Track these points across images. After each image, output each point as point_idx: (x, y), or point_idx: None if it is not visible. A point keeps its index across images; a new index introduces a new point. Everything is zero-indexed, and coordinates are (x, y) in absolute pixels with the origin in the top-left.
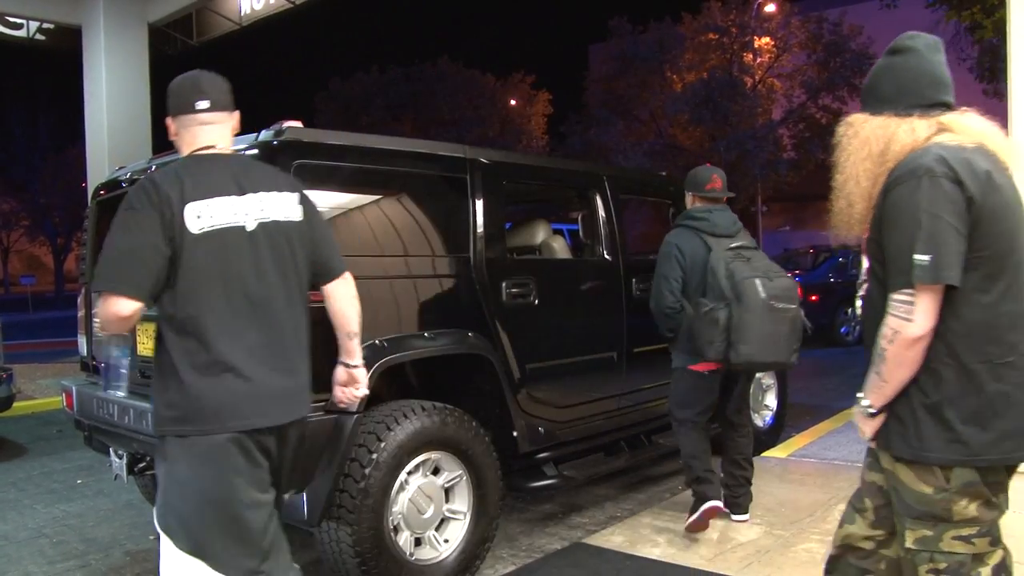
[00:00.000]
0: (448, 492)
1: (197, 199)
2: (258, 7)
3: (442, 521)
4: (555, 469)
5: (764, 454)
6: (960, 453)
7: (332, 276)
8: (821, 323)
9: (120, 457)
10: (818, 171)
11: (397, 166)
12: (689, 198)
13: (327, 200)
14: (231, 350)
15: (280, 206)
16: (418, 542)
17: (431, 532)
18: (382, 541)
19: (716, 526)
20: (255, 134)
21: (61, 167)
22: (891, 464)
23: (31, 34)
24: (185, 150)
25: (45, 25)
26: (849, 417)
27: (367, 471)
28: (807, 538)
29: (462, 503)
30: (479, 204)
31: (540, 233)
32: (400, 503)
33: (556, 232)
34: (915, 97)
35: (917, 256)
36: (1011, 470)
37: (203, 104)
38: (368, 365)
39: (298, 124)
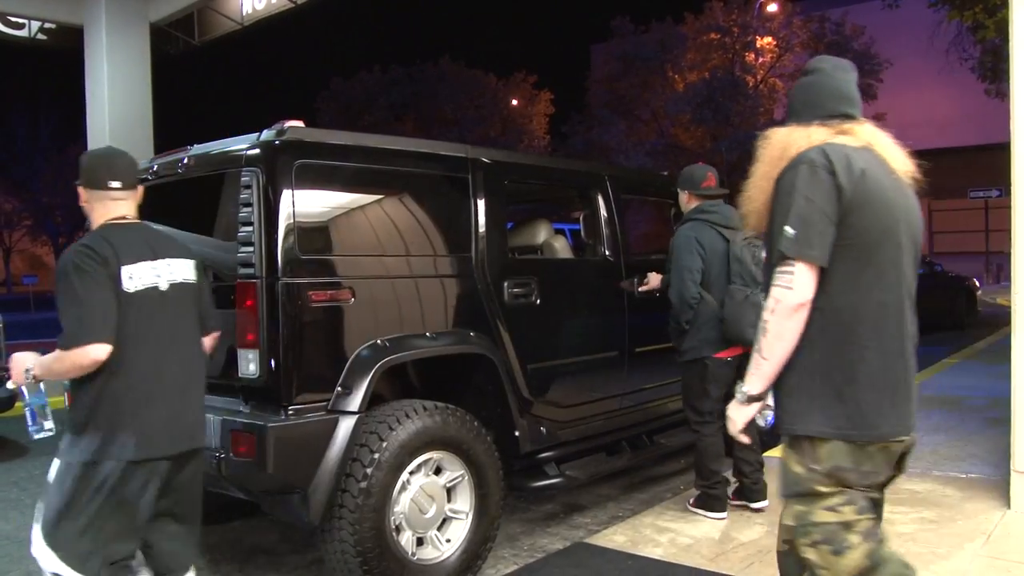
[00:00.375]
0: (450, 492)
1: (128, 263)
2: (260, 7)
3: (444, 521)
4: (557, 469)
5: (765, 454)
6: (830, 427)
7: (209, 331)
8: None
9: None
10: None
11: (399, 166)
12: (684, 196)
13: (329, 200)
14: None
15: (182, 269)
16: (420, 542)
17: (433, 532)
18: (384, 541)
19: (717, 526)
20: (257, 134)
21: (63, 167)
22: (784, 448)
23: (33, 34)
24: (98, 219)
25: (47, 25)
26: None
27: (369, 471)
28: None
29: (464, 503)
30: (481, 204)
31: (542, 233)
32: (402, 503)
33: (558, 232)
34: (819, 110)
35: (786, 227)
36: (886, 445)
37: (115, 184)
38: (370, 365)
39: (300, 124)
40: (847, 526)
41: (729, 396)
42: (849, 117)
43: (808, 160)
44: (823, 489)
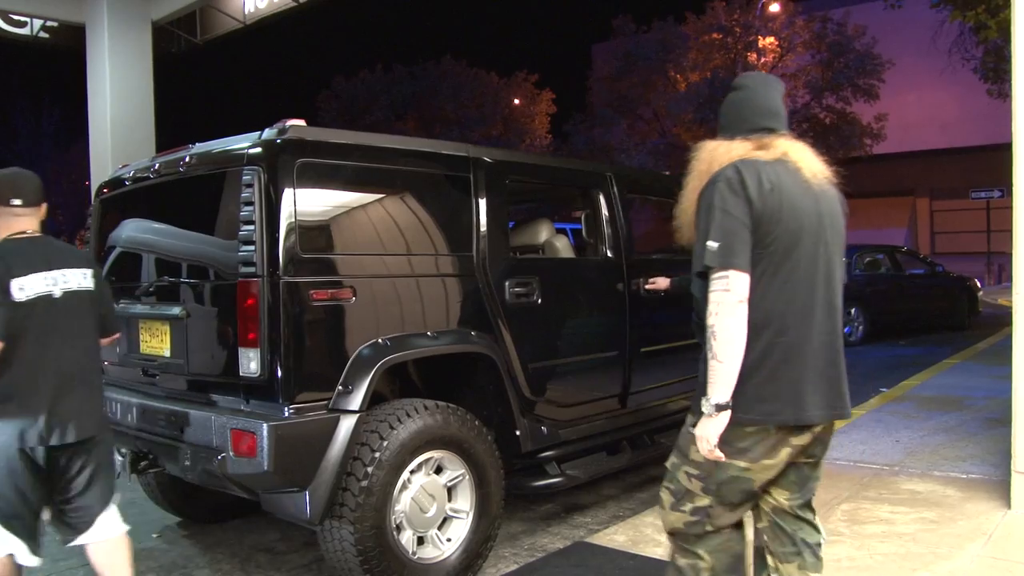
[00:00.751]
0: (451, 491)
1: (19, 275)
2: (262, 5)
3: (445, 520)
4: (558, 468)
5: None
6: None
7: (107, 333)
8: None
9: (123, 455)
10: None
11: (400, 165)
12: None
13: (330, 199)
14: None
15: (77, 278)
16: (421, 541)
17: (434, 531)
18: (385, 540)
19: None
20: (258, 133)
21: (64, 165)
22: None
23: (35, 32)
24: (1, 233)
25: (49, 23)
26: (852, 417)
27: (370, 469)
28: None
29: (465, 502)
30: (482, 203)
31: (543, 232)
32: (403, 502)
33: (559, 231)
34: (744, 124)
35: (709, 242)
36: (781, 434)
37: (17, 202)
38: (371, 364)
39: (301, 123)
40: (689, 494)
41: None
42: (771, 130)
43: (724, 178)
44: (693, 450)
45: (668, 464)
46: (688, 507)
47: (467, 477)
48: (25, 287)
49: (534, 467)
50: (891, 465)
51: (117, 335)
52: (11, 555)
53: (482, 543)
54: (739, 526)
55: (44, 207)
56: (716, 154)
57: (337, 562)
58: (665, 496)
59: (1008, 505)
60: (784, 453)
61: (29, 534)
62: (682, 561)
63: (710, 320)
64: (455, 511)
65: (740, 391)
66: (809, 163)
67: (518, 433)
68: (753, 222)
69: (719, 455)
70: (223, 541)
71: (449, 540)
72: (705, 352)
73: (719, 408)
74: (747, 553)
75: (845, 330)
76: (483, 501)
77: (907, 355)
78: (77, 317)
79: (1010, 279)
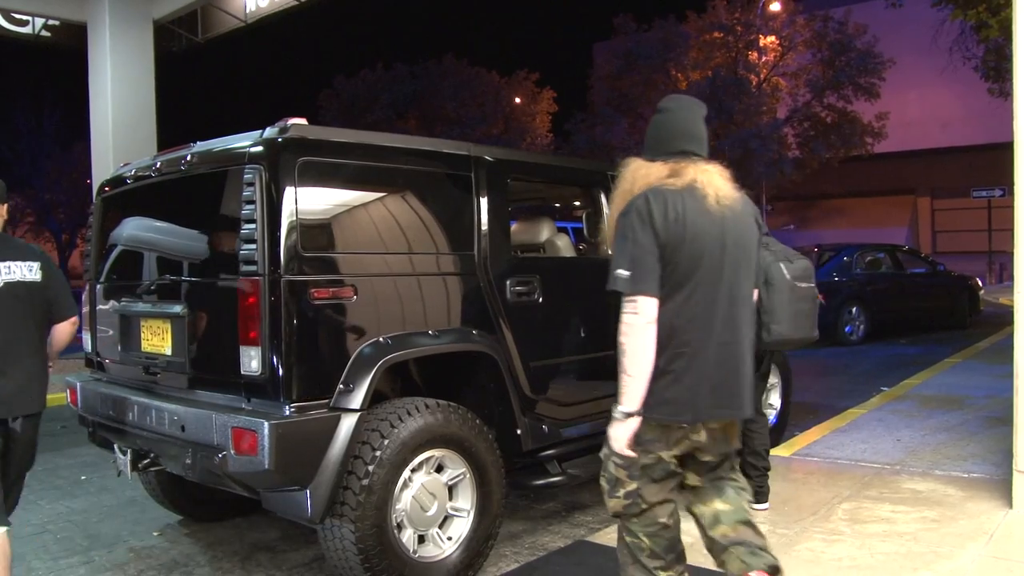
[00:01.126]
0: (452, 490)
1: None
2: (263, 4)
3: (446, 519)
4: (559, 467)
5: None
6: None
7: (62, 318)
8: (825, 322)
9: (124, 454)
10: (823, 170)
11: (401, 164)
12: None
13: (331, 197)
14: None
15: (22, 270)
16: (421, 540)
17: (434, 530)
18: (385, 538)
19: None
20: (260, 131)
21: (66, 163)
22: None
23: (36, 31)
24: None
25: (50, 22)
26: (853, 416)
27: (370, 468)
28: (810, 537)
29: (465, 501)
30: (484, 202)
31: (545, 231)
32: (404, 500)
33: (561, 230)
34: (664, 146)
35: (620, 271)
36: (682, 431)
37: None
38: (372, 362)
39: (303, 122)
40: (620, 481)
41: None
42: (689, 153)
43: (636, 208)
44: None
45: (601, 455)
46: (621, 492)
47: (468, 476)
48: None
49: (535, 466)
50: (892, 464)
51: (74, 318)
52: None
53: (483, 542)
54: (673, 513)
55: (6, 207)
56: (637, 175)
57: (338, 561)
58: (603, 484)
59: (1009, 504)
60: (685, 445)
61: None
62: (628, 539)
63: (621, 339)
64: (456, 510)
65: (648, 393)
66: (716, 189)
67: (519, 432)
68: (659, 249)
69: (629, 453)
70: (224, 539)
71: (450, 539)
72: (618, 365)
73: (627, 415)
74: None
75: (846, 329)
76: (484, 500)
77: (908, 354)
78: (20, 304)
79: (1011, 278)
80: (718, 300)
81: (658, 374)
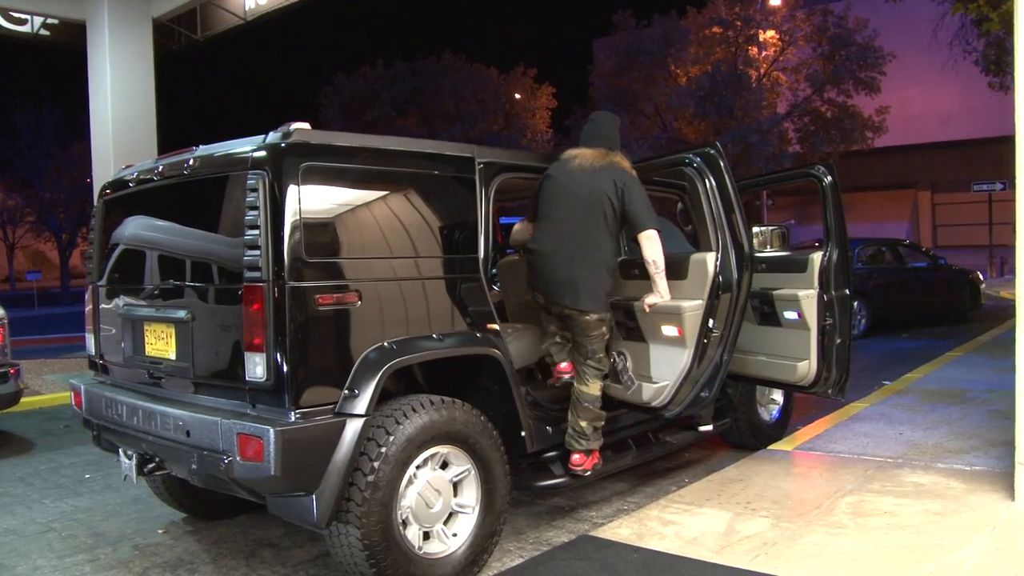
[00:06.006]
0: (456, 486)
1: None
2: (263, 2)
3: (450, 515)
4: (562, 468)
5: (770, 447)
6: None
7: None
8: None
9: (129, 458)
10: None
11: (405, 167)
12: None
13: (335, 202)
14: None
15: None
16: (426, 536)
17: (439, 526)
18: (390, 535)
19: (723, 518)
20: (262, 136)
21: (66, 163)
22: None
23: (35, 29)
24: None
25: (49, 20)
26: (855, 410)
27: (376, 464)
28: (813, 530)
29: (470, 497)
30: (487, 204)
31: None
32: (409, 497)
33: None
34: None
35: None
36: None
37: None
38: (377, 367)
39: (306, 126)
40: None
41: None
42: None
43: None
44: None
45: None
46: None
47: (473, 472)
48: None
49: (539, 466)
50: (895, 458)
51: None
52: None
53: (488, 538)
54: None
55: None
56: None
57: (343, 557)
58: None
59: (1012, 497)
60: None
61: None
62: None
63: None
64: (461, 506)
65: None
66: (582, 161)
67: (523, 433)
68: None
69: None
70: (228, 537)
71: (455, 535)
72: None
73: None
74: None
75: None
76: (488, 496)
77: (909, 348)
78: None
79: (1012, 271)
80: (561, 230)
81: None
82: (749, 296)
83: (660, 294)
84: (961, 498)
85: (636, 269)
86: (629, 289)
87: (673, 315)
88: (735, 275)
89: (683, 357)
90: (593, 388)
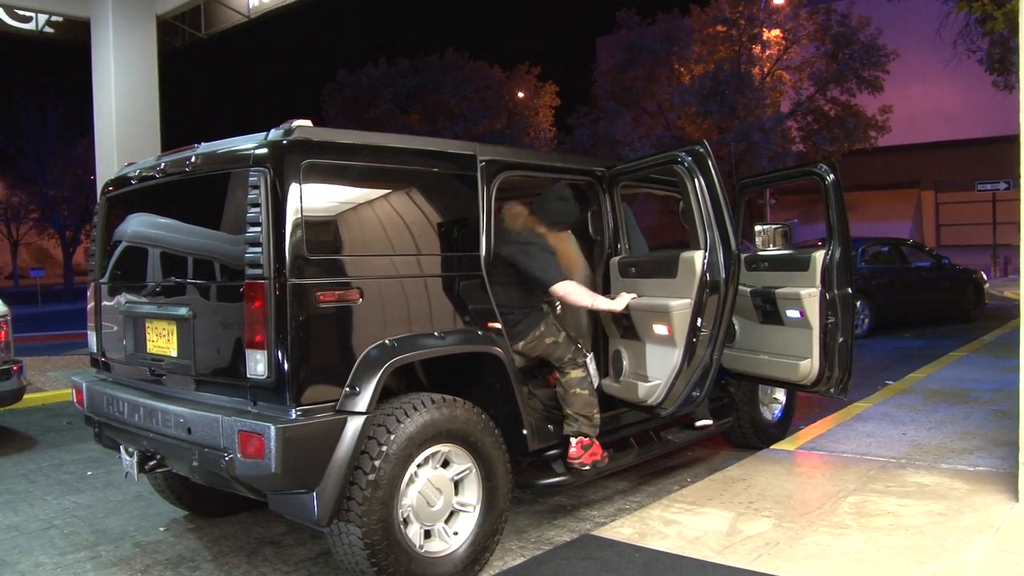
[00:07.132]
0: (457, 485)
1: None
2: (266, 0)
3: (452, 514)
4: (564, 466)
5: (773, 447)
6: None
7: None
8: None
9: (131, 455)
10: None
11: (407, 164)
12: None
13: (337, 199)
14: None
15: None
16: (428, 534)
17: (440, 524)
18: (391, 533)
19: (726, 518)
20: (264, 133)
21: (70, 160)
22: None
23: (40, 27)
24: None
25: (54, 18)
26: (858, 410)
27: (377, 463)
28: (816, 530)
29: (471, 496)
30: (489, 202)
31: None
32: (410, 495)
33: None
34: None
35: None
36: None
37: None
38: (378, 365)
39: (307, 123)
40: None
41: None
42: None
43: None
44: None
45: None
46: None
47: (474, 471)
48: None
49: (541, 465)
50: (898, 458)
51: None
52: None
53: (489, 536)
54: None
55: None
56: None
57: (344, 556)
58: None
59: (1015, 498)
60: None
61: None
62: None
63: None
64: (462, 504)
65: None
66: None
67: (525, 432)
68: None
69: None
70: (230, 534)
71: (456, 533)
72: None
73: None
74: None
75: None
76: (490, 494)
77: (913, 348)
78: None
79: (1016, 271)
80: None
81: None
82: (736, 295)
83: (613, 307)
84: (965, 499)
85: (632, 267)
86: (624, 287)
87: (663, 313)
88: (723, 274)
89: (674, 355)
90: (575, 373)
